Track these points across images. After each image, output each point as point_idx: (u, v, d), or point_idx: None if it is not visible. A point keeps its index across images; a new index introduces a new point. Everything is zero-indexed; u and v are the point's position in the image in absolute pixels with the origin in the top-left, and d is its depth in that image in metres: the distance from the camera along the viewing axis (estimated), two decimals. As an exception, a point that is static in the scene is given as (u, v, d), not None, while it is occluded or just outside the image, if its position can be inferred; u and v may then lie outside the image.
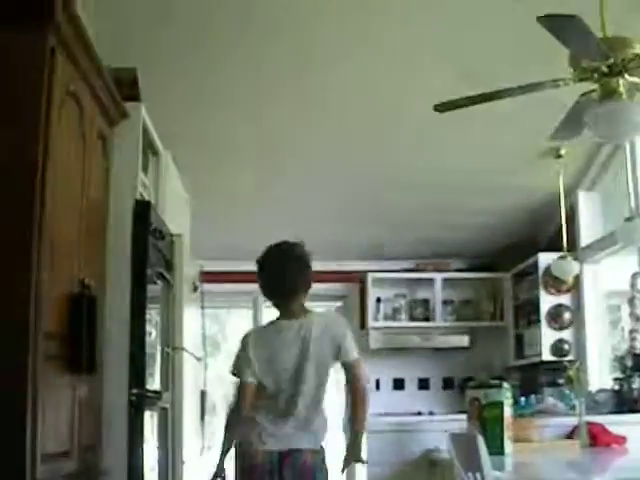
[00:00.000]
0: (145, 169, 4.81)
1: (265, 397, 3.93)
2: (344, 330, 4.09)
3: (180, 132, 5.91)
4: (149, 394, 4.34)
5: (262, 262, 4.27)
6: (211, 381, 18.85)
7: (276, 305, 4.16)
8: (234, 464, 3.93)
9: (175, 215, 5.49)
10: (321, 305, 12.47)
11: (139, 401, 4.12)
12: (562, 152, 6.85)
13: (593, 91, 3.96)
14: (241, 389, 3.97)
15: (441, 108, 4.38)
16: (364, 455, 4.14)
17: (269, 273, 4.20)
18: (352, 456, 3.94)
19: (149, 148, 4.98)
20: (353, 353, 4.01)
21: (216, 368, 20.17)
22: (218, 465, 3.92)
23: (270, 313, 4.35)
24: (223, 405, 20.69)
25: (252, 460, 3.81)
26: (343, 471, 3.94)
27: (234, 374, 4.03)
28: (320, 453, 3.94)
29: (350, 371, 4.00)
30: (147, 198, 4.73)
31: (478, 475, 3.38)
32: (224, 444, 3.96)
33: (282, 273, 4.14)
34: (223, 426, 4.05)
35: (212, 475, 3.92)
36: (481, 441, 3.36)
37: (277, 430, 3.84)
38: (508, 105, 4.46)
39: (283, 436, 3.83)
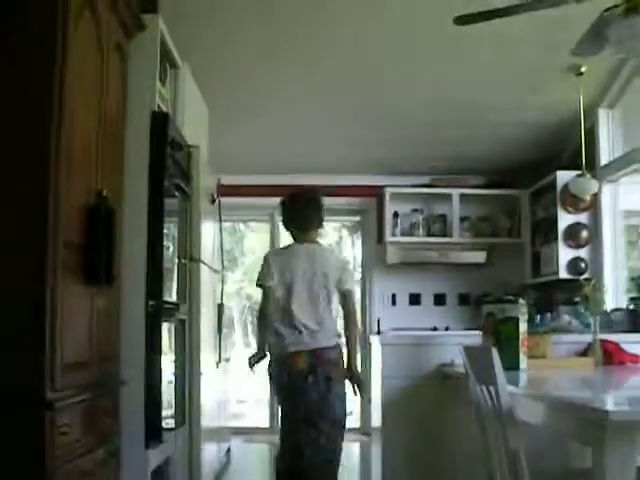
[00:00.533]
0: (163, 81, 4.78)
1: (283, 307, 4.81)
2: (344, 264, 5.09)
3: (199, 45, 5.88)
4: (166, 305, 4.37)
5: (286, 202, 5.11)
6: (229, 296, 19.04)
7: (294, 236, 5.05)
8: (269, 369, 4.94)
9: (193, 128, 5.47)
10: (340, 219, 12.56)
11: (156, 312, 4.16)
12: (583, 69, 6.76)
13: (617, 6, 3.89)
14: (265, 293, 4.90)
15: (460, 21, 4.32)
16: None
17: (291, 211, 5.06)
18: (355, 381, 4.97)
19: (167, 60, 4.94)
20: (348, 285, 4.97)
21: (234, 283, 20.37)
22: (257, 354, 5.02)
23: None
24: (241, 320, 20.98)
25: (285, 363, 4.73)
26: (362, 396, 5.18)
27: (259, 285, 4.92)
28: (337, 347, 4.85)
29: (344, 298, 4.96)
30: (165, 110, 4.71)
31: (492, 388, 3.40)
32: (260, 338, 5.07)
33: (301, 212, 5.00)
34: (256, 328, 5.21)
35: (250, 362, 5.06)
36: (495, 354, 3.37)
37: (301, 337, 4.73)
38: (526, 22, 4.40)
39: (308, 342, 4.72)
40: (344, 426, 4.91)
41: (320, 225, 5.08)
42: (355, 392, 5.02)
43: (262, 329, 5.01)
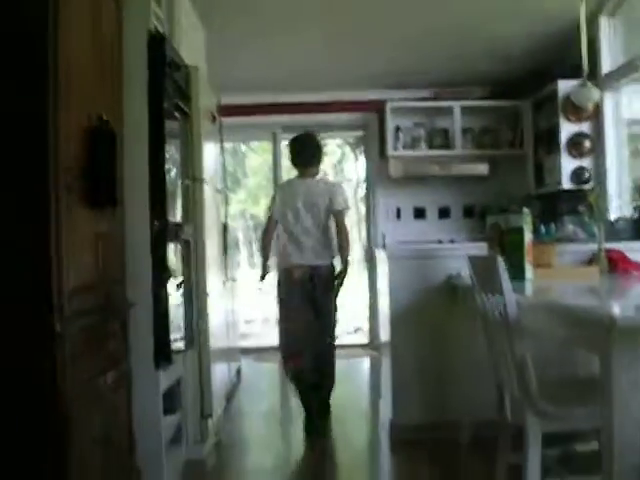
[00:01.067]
0: (158, 1, 4.71)
1: (288, 230, 6.09)
2: (336, 189, 6.18)
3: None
4: (170, 226, 4.37)
5: (293, 143, 6.38)
6: (234, 217, 19.07)
7: (298, 171, 6.30)
8: (277, 279, 6.22)
9: (190, 48, 5.42)
10: (342, 135, 12.53)
11: (161, 233, 4.16)
12: (585, -24, 6.64)
13: None
14: (269, 220, 6.29)
15: None
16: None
17: (297, 150, 6.31)
18: (343, 275, 6.09)
19: (160, -22, 4.86)
20: (336, 206, 6.05)
21: (238, 204, 20.39)
22: (263, 269, 6.34)
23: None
24: (245, 240, 21.07)
25: (289, 273, 6.06)
26: (340, 285, 6.11)
27: (268, 214, 6.31)
28: (332, 266, 6.13)
29: (337, 217, 6.08)
30: (161, 31, 4.65)
31: (498, 296, 3.42)
32: (263, 257, 6.35)
33: (301, 152, 6.28)
34: (260, 246, 6.48)
35: (260, 276, 6.39)
36: (501, 262, 3.38)
37: (302, 254, 6.04)
38: None
39: (307, 258, 6.03)
40: (333, 318, 6.11)
41: (319, 162, 6.32)
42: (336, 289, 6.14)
43: (263, 249, 6.36)
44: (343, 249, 6.02)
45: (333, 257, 6.13)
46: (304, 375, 6.06)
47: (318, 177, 6.33)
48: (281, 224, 6.14)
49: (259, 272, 6.36)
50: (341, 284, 6.11)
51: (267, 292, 12.43)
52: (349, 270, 6.10)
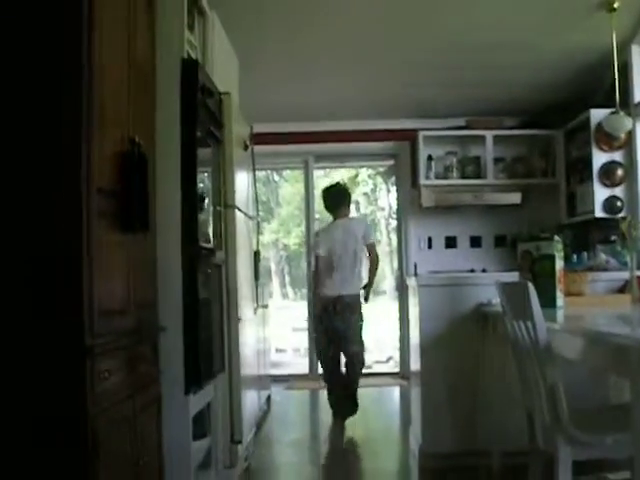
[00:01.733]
0: (191, 29, 4.76)
1: (329, 265, 7.29)
2: (366, 226, 7.74)
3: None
4: (202, 251, 4.39)
5: (326, 192, 7.71)
6: (266, 246, 19.06)
7: (332, 214, 7.61)
8: (315, 303, 7.64)
9: (224, 75, 5.46)
10: (373, 164, 12.57)
11: (193, 258, 4.18)
12: (616, 5, 6.64)
13: None
14: (317, 257, 7.44)
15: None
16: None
17: (326, 199, 7.66)
18: (366, 294, 7.48)
19: (195, 8, 4.92)
20: (371, 239, 7.50)
21: (271, 233, 20.43)
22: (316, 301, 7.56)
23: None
24: (278, 270, 21.10)
25: (323, 300, 7.32)
26: (366, 301, 7.53)
27: (315, 251, 7.51)
28: (358, 295, 7.37)
29: (369, 249, 7.44)
30: (194, 57, 4.70)
31: (529, 323, 3.41)
32: (314, 290, 7.69)
33: (333, 200, 7.61)
34: (313, 282, 7.86)
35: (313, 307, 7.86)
36: (532, 288, 3.37)
37: (334, 284, 7.27)
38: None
39: (337, 287, 7.26)
40: (359, 339, 7.35)
41: (349, 205, 7.66)
42: (366, 298, 7.53)
43: (313, 283, 7.73)
44: (371, 272, 7.53)
45: (360, 287, 7.49)
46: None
47: (350, 216, 7.69)
48: (323, 261, 7.33)
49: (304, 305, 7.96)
50: (367, 298, 7.54)
51: (298, 322, 12.54)
52: (373, 286, 7.65)
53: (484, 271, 8.86)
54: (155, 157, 3.97)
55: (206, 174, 4.72)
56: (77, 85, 2.95)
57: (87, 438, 2.90)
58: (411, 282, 5.89)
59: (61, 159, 2.93)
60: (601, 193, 7.91)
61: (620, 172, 7.85)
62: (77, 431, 2.89)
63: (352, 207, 8.10)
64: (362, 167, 15.81)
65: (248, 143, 5.93)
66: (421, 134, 9.13)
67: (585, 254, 7.01)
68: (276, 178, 20.71)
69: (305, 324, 10.33)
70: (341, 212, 7.50)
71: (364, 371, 7.53)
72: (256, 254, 6.28)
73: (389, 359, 11.96)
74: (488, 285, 4.93)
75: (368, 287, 7.51)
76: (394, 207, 11.28)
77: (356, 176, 19.43)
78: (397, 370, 10.21)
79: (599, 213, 7.91)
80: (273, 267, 22.04)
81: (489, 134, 9.07)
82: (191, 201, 4.19)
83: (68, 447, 2.90)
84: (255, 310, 6.18)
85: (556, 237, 4.55)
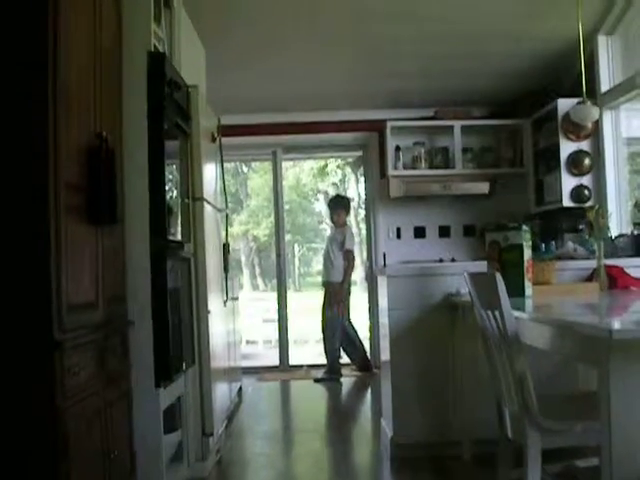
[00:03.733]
0: (158, 21, 4.73)
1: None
2: (348, 235, 9.46)
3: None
4: (171, 244, 4.38)
5: (329, 202, 10.09)
6: (236, 238, 19.02)
7: (332, 219, 9.80)
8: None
9: (190, 68, 5.44)
10: (342, 155, 12.59)
11: (161, 251, 4.16)
12: (581, -4, 6.67)
13: None
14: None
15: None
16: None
17: (331, 206, 9.85)
18: (343, 290, 9.43)
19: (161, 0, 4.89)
20: (348, 246, 9.35)
21: (240, 225, 20.40)
22: None
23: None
24: (248, 261, 21.05)
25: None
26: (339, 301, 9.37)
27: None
28: (339, 282, 9.33)
29: (345, 253, 9.35)
30: (161, 50, 4.68)
31: (497, 313, 3.42)
32: None
33: (335, 207, 9.74)
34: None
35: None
36: (499, 278, 3.39)
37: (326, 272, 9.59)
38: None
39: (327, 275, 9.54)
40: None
41: (347, 212, 9.78)
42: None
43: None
44: (348, 271, 9.45)
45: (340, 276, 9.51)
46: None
47: (343, 225, 9.63)
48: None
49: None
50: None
51: (268, 317, 12.55)
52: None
53: (453, 260, 8.90)
54: (122, 150, 3.98)
55: (174, 167, 4.69)
56: (42, 79, 2.94)
57: (57, 433, 2.90)
58: (380, 273, 5.89)
59: (28, 153, 2.92)
60: (569, 182, 7.96)
61: (587, 161, 7.89)
62: (47, 426, 2.89)
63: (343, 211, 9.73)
64: (331, 158, 15.79)
65: (216, 135, 5.91)
66: (389, 124, 9.13)
67: (553, 243, 7.05)
68: (245, 170, 20.69)
69: (276, 315, 10.33)
70: (339, 217, 9.68)
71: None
72: (225, 246, 6.27)
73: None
74: (457, 275, 4.95)
75: (343, 285, 9.43)
76: (363, 197, 11.30)
77: (325, 166, 19.47)
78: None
79: (567, 202, 7.96)
80: (243, 259, 22.02)
81: (457, 124, 9.09)
82: (159, 194, 4.17)
83: (38, 442, 2.90)
84: (225, 302, 6.16)
85: (524, 226, 4.57)
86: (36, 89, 2.94)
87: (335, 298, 9.35)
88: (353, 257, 9.42)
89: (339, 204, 9.75)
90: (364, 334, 9.89)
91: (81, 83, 3.36)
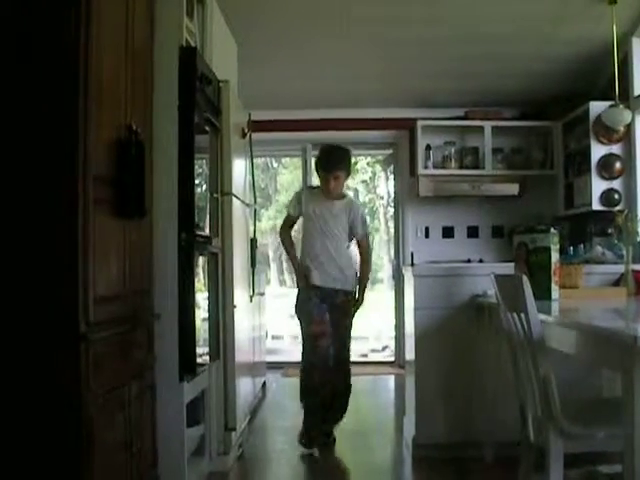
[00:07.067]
0: (190, 16, 4.75)
1: (307, 238, 5.97)
2: (357, 215, 5.99)
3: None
4: (199, 239, 4.39)
5: (320, 157, 6.02)
6: (264, 233, 19.07)
7: (322, 178, 5.93)
8: (297, 293, 6.06)
9: (222, 63, 5.45)
10: (372, 152, 12.54)
11: (189, 245, 4.18)
12: (616, -2, 6.64)
13: None
14: (286, 217, 6.25)
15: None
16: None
17: (323, 164, 5.90)
18: (360, 300, 6.06)
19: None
20: (360, 232, 6.01)
21: (268, 220, 20.41)
22: (299, 268, 6.04)
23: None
24: (275, 256, 21.07)
25: (308, 292, 5.89)
26: (355, 312, 6.04)
27: (287, 210, 6.25)
28: (351, 293, 5.99)
29: (359, 243, 6.09)
30: (193, 44, 4.69)
31: (523, 316, 3.41)
32: (292, 256, 6.22)
33: (331, 159, 5.90)
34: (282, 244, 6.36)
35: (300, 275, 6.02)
36: (526, 281, 3.37)
37: (323, 275, 5.89)
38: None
39: (328, 280, 5.89)
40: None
41: (348, 174, 6.08)
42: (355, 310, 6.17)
43: (284, 241, 6.35)
44: (364, 269, 6.19)
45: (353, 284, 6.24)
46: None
47: (342, 195, 6.07)
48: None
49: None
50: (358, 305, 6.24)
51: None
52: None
53: (481, 261, 8.87)
54: (152, 144, 3.98)
55: (203, 161, 4.71)
56: (74, 72, 2.95)
57: (81, 425, 2.91)
58: (407, 272, 5.89)
59: (58, 147, 2.93)
60: (599, 186, 7.91)
61: (618, 165, 7.85)
62: (72, 418, 2.90)
63: (350, 194, 7.28)
64: (360, 155, 15.77)
65: (246, 130, 5.92)
66: (420, 123, 9.11)
67: (581, 246, 7.01)
68: (275, 165, 20.70)
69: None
70: (333, 179, 5.90)
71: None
72: (253, 241, 6.28)
73: (385, 348, 11.97)
74: (484, 276, 4.94)
75: (361, 294, 6.13)
76: (392, 195, 11.27)
77: (355, 163, 19.46)
78: (393, 359, 10.23)
79: (596, 206, 7.91)
80: (271, 254, 22.02)
81: (487, 125, 9.07)
82: (188, 188, 4.19)
83: (63, 434, 2.91)
84: (251, 297, 6.17)
85: (552, 229, 4.55)
86: (67, 83, 2.95)
87: (341, 322, 5.94)
88: (368, 250, 6.19)
89: (336, 159, 5.90)
90: (390, 333, 9.80)
91: (112, 77, 3.37)
